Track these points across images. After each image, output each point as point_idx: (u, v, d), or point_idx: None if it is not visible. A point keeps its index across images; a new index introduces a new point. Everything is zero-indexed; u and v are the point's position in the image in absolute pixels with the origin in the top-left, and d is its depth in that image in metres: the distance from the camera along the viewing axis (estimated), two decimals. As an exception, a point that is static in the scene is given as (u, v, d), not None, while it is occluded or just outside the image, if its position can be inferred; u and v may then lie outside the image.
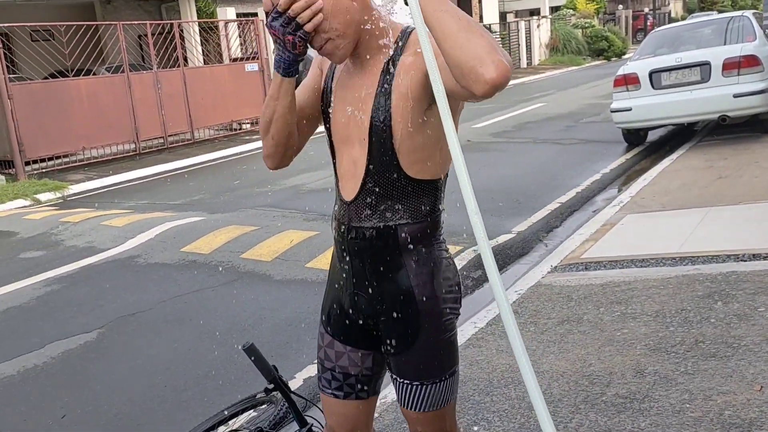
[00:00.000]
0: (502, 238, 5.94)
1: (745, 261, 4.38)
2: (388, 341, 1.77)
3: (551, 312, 4.09)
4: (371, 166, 1.65)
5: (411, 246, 1.70)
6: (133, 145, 12.90)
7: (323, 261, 5.46)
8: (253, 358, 2.44)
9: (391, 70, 1.62)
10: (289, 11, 1.53)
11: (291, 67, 1.62)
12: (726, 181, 6.59)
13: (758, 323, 3.46)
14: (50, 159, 11.67)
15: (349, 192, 1.70)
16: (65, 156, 12.00)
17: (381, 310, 1.74)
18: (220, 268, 5.70)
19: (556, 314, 4.04)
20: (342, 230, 1.74)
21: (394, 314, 1.73)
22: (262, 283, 5.31)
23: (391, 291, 1.71)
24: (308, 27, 1.55)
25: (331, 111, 1.74)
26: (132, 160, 12.63)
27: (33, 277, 5.98)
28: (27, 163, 11.28)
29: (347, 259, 1.75)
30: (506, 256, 5.55)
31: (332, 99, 1.74)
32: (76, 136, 11.95)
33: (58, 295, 5.50)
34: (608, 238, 5.39)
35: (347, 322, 1.83)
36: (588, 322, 3.84)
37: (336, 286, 1.84)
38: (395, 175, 1.65)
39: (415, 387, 1.77)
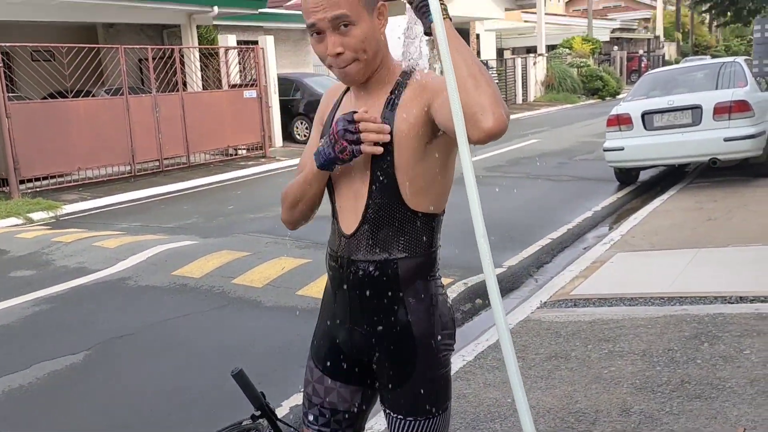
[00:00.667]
0: (493, 273, 5.96)
1: (732, 303, 4.42)
2: (383, 376, 1.77)
3: (539, 347, 4.11)
4: (373, 199, 1.67)
5: (410, 281, 1.71)
6: (128, 167, 12.94)
7: (314, 289, 5.47)
8: (241, 385, 2.45)
9: (395, 102, 1.65)
10: (360, 124, 1.59)
11: (330, 164, 1.67)
12: (715, 223, 6.67)
13: (743, 366, 3.49)
14: (45, 178, 11.68)
15: (350, 225, 1.71)
16: (60, 176, 12.01)
17: (377, 345, 1.74)
18: (212, 292, 5.71)
19: (544, 350, 4.06)
20: (340, 264, 1.73)
21: (391, 349, 1.73)
22: (253, 310, 5.31)
23: (389, 325, 1.72)
24: (364, 149, 1.60)
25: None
26: (127, 182, 12.65)
27: (22, 296, 5.96)
28: (21, 182, 11.27)
29: (345, 293, 1.74)
30: (496, 291, 5.57)
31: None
32: (72, 157, 11.97)
33: (47, 315, 5.49)
34: (598, 276, 5.43)
35: (340, 357, 1.82)
36: (576, 358, 3.86)
37: (329, 320, 1.83)
38: (396, 208, 1.67)
39: (408, 422, 1.76)
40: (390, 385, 1.76)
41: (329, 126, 1.76)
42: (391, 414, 1.78)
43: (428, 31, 1.53)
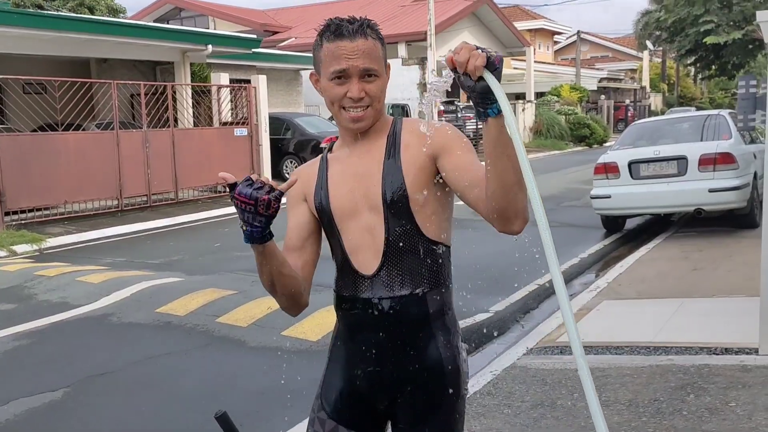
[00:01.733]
0: (480, 317, 5.95)
1: (718, 354, 4.42)
2: (408, 414, 1.76)
3: (525, 395, 4.08)
4: (392, 232, 1.71)
5: (438, 314, 1.75)
6: (116, 202, 12.89)
7: (299, 329, 5.43)
8: (224, 428, 2.41)
9: (396, 141, 1.76)
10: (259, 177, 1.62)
11: (266, 231, 1.60)
12: (701, 273, 6.71)
13: (729, 418, 3.48)
14: (30, 210, 11.60)
15: (369, 264, 1.74)
16: (46, 208, 11.94)
17: (406, 383, 1.74)
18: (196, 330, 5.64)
19: (530, 397, 4.03)
20: (364, 306, 1.74)
21: (422, 385, 1.73)
22: (237, 349, 5.25)
23: (420, 362, 1.73)
24: (283, 187, 1.62)
25: (330, 196, 1.79)
26: (113, 216, 12.58)
27: (2, 330, 5.87)
28: (6, 213, 11.20)
29: (370, 335, 1.74)
30: (482, 336, 5.56)
31: (329, 186, 1.81)
32: (59, 190, 11.93)
33: (27, 350, 5.40)
34: (584, 323, 5.43)
35: (360, 404, 1.81)
36: (562, 407, 3.84)
37: (345, 367, 1.81)
38: (416, 239, 1.72)
39: None
40: (417, 423, 1.75)
41: (324, 184, 1.82)
42: None
43: (482, 118, 1.51)
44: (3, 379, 4.81)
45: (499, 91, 1.45)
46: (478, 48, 1.45)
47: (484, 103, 1.49)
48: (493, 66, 1.44)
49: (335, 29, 1.70)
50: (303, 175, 1.85)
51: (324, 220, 1.81)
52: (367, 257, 1.74)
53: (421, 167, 1.72)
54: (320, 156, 1.89)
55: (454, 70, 1.48)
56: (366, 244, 1.74)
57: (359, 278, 1.75)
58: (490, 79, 1.45)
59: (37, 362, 5.11)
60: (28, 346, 5.47)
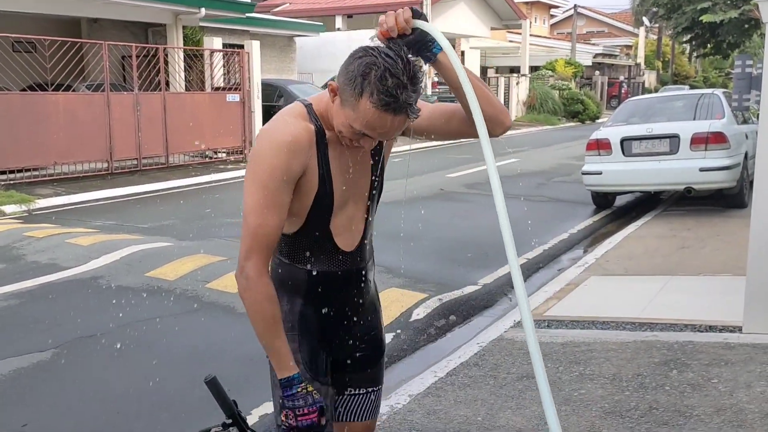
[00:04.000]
0: (468, 289, 6.00)
1: (702, 332, 4.49)
2: (370, 358, 2.03)
3: (511, 367, 4.13)
4: (370, 216, 1.93)
5: (373, 274, 2.04)
6: (105, 164, 12.79)
7: (289, 298, 5.45)
8: (214, 392, 2.43)
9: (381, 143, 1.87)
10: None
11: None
12: (688, 251, 6.77)
13: (711, 394, 3.54)
14: (19, 171, 11.51)
15: (349, 243, 1.89)
16: (35, 169, 11.84)
17: (368, 328, 2.01)
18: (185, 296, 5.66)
19: (516, 369, 4.08)
20: (344, 276, 1.90)
21: (377, 328, 2.05)
22: (226, 315, 5.27)
23: (372, 310, 2.02)
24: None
25: (333, 188, 1.81)
26: (103, 179, 12.50)
27: (-9, 289, 5.86)
28: (-5, 173, 11.11)
29: (342, 298, 1.92)
30: (470, 308, 5.60)
31: (331, 178, 1.80)
32: (49, 150, 11.82)
33: (15, 310, 5.39)
34: (571, 298, 5.48)
35: (328, 360, 1.96)
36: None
37: (320, 332, 1.92)
38: (374, 219, 1.97)
39: (376, 393, 2.06)
40: (374, 362, 2.04)
41: (327, 175, 1.77)
42: (363, 390, 2.04)
43: (430, 61, 1.73)
44: (-9, 338, 4.81)
45: (432, 29, 1.66)
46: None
47: (427, 48, 1.70)
48: (418, 14, 1.67)
49: (386, 103, 1.62)
50: (302, 153, 1.74)
51: (316, 206, 1.79)
52: (347, 236, 1.88)
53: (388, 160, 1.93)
54: (313, 129, 1.76)
55: (389, 40, 1.67)
56: (346, 227, 1.87)
57: (339, 254, 1.88)
58: (421, 23, 1.67)
59: (26, 322, 5.11)
60: (17, 307, 5.47)
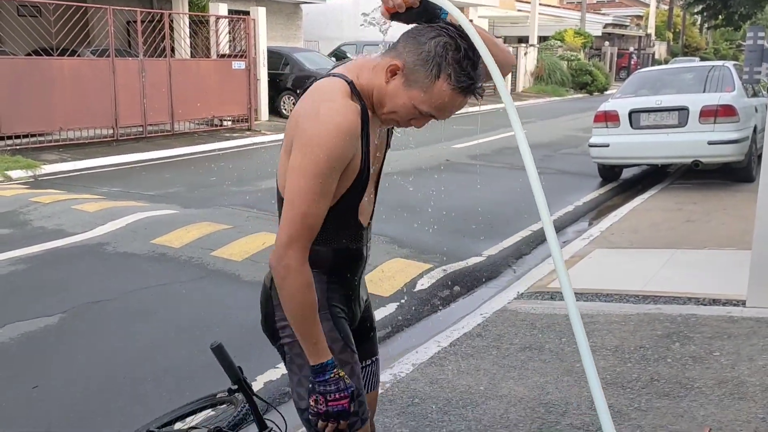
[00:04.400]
0: (472, 260, 6.01)
1: (705, 305, 4.50)
2: (367, 328, 2.05)
3: (514, 338, 4.15)
4: (377, 193, 1.95)
5: None
6: (111, 131, 12.77)
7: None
8: (220, 358, 2.46)
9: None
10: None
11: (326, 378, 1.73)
12: (694, 225, 6.75)
13: (712, 367, 3.56)
14: (25, 136, 11.50)
15: (366, 218, 1.88)
16: (41, 135, 11.83)
17: (366, 300, 2.05)
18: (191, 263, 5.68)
19: (519, 340, 4.11)
20: (360, 250, 1.88)
21: (368, 299, 2.08)
22: (231, 283, 5.30)
23: (365, 282, 2.04)
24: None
25: (370, 168, 1.78)
26: (109, 145, 12.49)
27: (-2, 254, 5.90)
28: (1, 138, 11.10)
29: (360, 273, 1.93)
30: (475, 279, 5.62)
31: (369, 158, 1.75)
32: (54, 116, 11.79)
33: (22, 275, 5.43)
34: (575, 270, 5.49)
35: (354, 327, 1.96)
36: (549, 351, 3.91)
37: (347, 311, 1.88)
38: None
39: (377, 364, 2.09)
40: (373, 332, 2.08)
41: (367, 156, 1.73)
42: (372, 360, 2.07)
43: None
44: (-1, 303, 4.86)
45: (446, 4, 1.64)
46: None
47: (436, 16, 1.66)
48: None
49: (464, 84, 1.63)
50: (357, 139, 1.67)
51: (353, 187, 1.73)
52: (367, 213, 1.88)
53: None
54: (360, 109, 1.68)
55: (394, 15, 1.64)
56: (366, 205, 1.86)
57: (361, 229, 1.86)
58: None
59: (33, 287, 5.16)
60: (24, 272, 5.51)
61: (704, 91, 8.70)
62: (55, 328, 4.45)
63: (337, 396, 1.67)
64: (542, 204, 1.64)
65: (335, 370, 1.68)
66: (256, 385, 3.68)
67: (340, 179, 1.68)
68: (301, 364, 1.77)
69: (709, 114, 8.24)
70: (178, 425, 3.10)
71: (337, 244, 1.82)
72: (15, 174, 9.93)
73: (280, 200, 1.74)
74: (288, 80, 17.40)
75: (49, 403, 3.53)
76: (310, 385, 1.69)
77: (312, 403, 1.69)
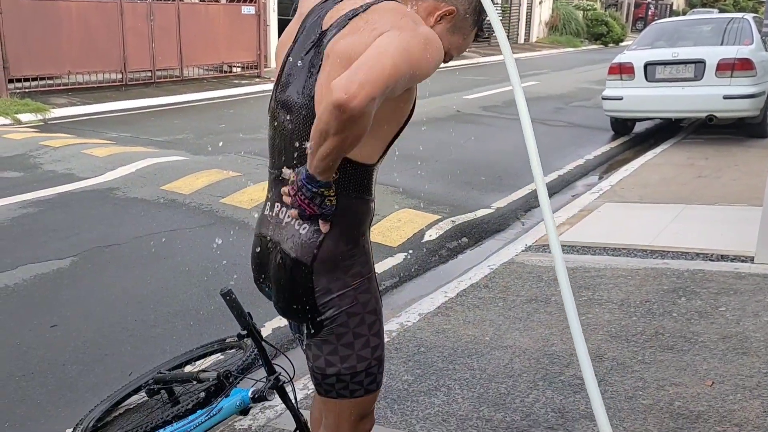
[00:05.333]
0: (481, 212, 6.01)
1: (713, 261, 4.50)
2: None
3: (521, 290, 4.18)
4: None
5: None
6: (119, 75, 12.68)
7: (302, 214, 5.48)
8: (230, 304, 2.49)
9: None
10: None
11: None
12: (705, 180, 6.71)
13: (717, 322, 3.58)
14: (34, 79, 11.44)
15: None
16: (49, 78, 11.76)
17: None
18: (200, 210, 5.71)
19: (525, 292, 4.13)
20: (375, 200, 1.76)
21: None
22: (240, 230, 5.33)
23: None
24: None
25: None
26: (117, 90, 12.42)
27: (9, 197, 5.93)
28: (10, 81, 11.05)
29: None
30: (483, 230, 5.63)
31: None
32: (63, 59, 11.71)
33: (34, 218, 5.48)
34: (584, 224, 5.49)
35: None
36: (555, 303, 3.94)
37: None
38: None
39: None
40: None
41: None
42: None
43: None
44: (11, 244, 4.91)
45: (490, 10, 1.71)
46: None
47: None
48: None
49: (481, 35, 1.80)
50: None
51: (401, 129, 1.68)
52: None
53: None
54: None
55: None
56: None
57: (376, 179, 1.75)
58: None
59: (44, 230, 5.20)
60: (35, 215, 5.55)
61: (722, 44, 8.53)
62: (67, 271, 4.51)
63: (307, 203, 1.54)
64: (537, 168, 1.78)
65: (324, 189, 1.53)
66: (265, 331, 3.73)
67: (396, 114, 1.60)
68: (341, 333, 1.69)
69: (726, 67, 8.09)
70: (187, 368, 3.17)
71: (372, 194, 1.72)
72: (24, 117, 9.92)
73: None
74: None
75: (63, 343, 3.60)
76: (299, 177, 1.54)
77: (287, 190, 1.57)
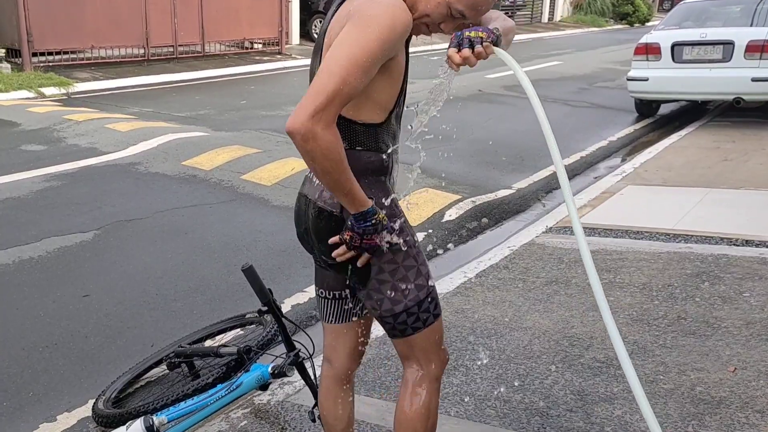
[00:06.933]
0: (502, 193, 5.97)
1: (738, 246, 4.44)
2: None
3: (541, 271, 4.15)
4: None
5: None
6: (142, 50, 12.71)
7: (323, 192, 5.48)
8: (250, 280, 2.50)
9: None
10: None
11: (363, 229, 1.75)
12: (730, 164, 6.60)
13: (741, 308, 3.54)
14: (57, 53, 11.49)
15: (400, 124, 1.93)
16: (73, 52, 11.82)
17: None
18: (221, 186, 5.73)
19: (545, 274, 4.11)
20: (396, 155, 1.91)
21: None
22: (260, 207, 5.35)
23: None
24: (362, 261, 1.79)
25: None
26: (140, 65, 12.45)
27: (33, 170, 6.00)
28: (34, 55, 11.11)
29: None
30: (503, 211, 5.60)
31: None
32: (86, 33, 11.74)
33: (57, 191, 5.53)
34: (606, 206, 5.43)
35: None
36: (576, 285, 3.92)
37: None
38: None
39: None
40: None
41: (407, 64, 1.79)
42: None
43: None
44: (35, 217, 4.97)
45: (509, 60, 1.74)
46: (471, 40, 1.68)
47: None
48: (497, 42, 1.74)
49: None
50: (404, 38, 1.73)
51: (402, 91, 1.81)
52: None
53: None
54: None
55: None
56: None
57: (398, 136, 1.90)
58: (502, 54, 1.75)
59: (68, 204, 5.25)
60: (58, 188, 5.60)
61: (752, 25, 8.34)
62: (90, 244, 4.55)
63: (374, 237, 1.73)
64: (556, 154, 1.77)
65: (376, 215, 1.71)
66: (284, 308, 3.75)
67: (390, 82, 1.72)
68: (393, 269, 1.80)
69: (755, 49, 7.92)
70: (208, 342, 3.20)
71: (390, 148, 1.85)
72: (48, 91, 9.99)
73: None
74: (320, 2, 17.02)
75: (85, 315, 3.65)
76: (349, 224, 1.73)
77: (347, 238, 1.74)
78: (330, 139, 1.57)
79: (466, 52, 1.68)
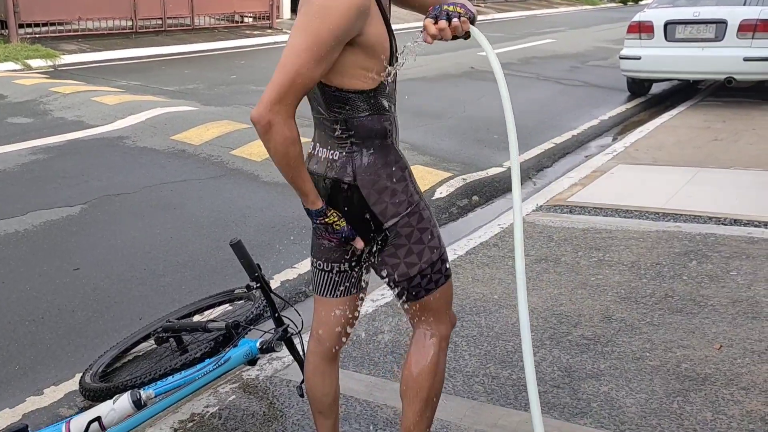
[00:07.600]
0: (492, 171, 5.96)
1: (726, 225, 4.45)
2: None
3: (530, 249, 4.16)
4: None
5: None
6: (130, 23, 12.54)
7: (312, 168, 5.46)
8: (239, 255, 2.48)
9: None
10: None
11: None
12: (721, 144, 6.61)
13: (728, 286, 3.56)
14: (44, 25, 11.33)
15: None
16: (60, 24, 11.65)
17: None
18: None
19: (535, 252, 4.11)
20: (395, 118, 1.92)
21: None
22: (250, 182, 5.31)
23: None
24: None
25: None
26: (127, 38, 12.29)
27: (19, 143, 5.93)
28: (21, 26, 10.94)
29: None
30: (494, 189, 5.59)
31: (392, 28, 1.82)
32: (73, 4, 11.57)
33: (43, 165, 5.47)
34: (596, 185, 5.43)
35: None
36: (565, 263, 3.92)
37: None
38: None
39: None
40: None
41: (389, 27, 1.78)
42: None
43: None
44: (21, 190, 4.92)
45: (483, 41, 1.80)
46: (449, 14, 1.69)
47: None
48: (473, 20, 1.77)
49: None
50: (366, 14, 1.73)
51: (391, 56, 1.82)
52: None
53: None
54: None
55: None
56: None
57: (394, 99, 1.90)
58: (477, 34, 1.79)
59: (54, 177, 5.20)
60: (45, 161, 5.54)
61: (745, 4, 8.31)
62: (77, 218, 4.51)
63: (326, 235, 1.84)
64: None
65: (320, 218, 1.79)
66: (273, 284, 3.73)
67: (374, 53, 1.71)
68: (408, 233, 1.85)
69: (748, 29, 7.90)
70: (196, 317, 3.19)
71: (391, 115, 1.86)
72: (34, 63, 9.86)
73: None
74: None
75: (72, 289, 3.62)
76: (314, 225, 1.86)
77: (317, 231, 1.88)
78: (286, 134, 1.64)
79: (443, 23, 1.69)
